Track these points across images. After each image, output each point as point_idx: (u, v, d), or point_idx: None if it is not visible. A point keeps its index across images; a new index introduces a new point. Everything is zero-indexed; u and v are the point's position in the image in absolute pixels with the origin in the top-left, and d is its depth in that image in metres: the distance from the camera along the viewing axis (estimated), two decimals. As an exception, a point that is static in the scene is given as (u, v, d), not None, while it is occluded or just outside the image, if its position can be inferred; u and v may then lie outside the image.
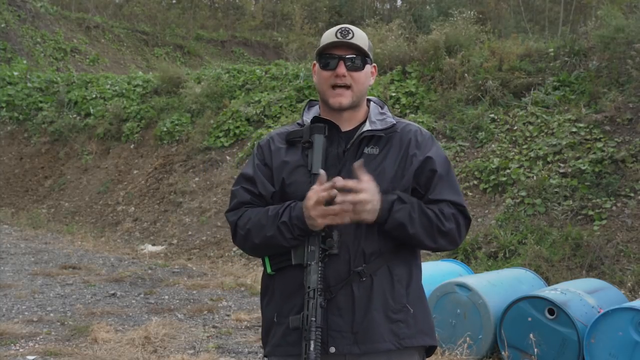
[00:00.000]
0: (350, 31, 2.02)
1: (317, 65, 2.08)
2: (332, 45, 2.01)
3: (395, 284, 2.00)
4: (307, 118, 2.12)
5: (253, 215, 2.01)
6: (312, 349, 1.82)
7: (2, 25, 20.31)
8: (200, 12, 31.99)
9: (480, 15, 18.23)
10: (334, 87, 2.02)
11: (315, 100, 2.21)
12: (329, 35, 2.04)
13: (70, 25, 24.09)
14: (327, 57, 2.02)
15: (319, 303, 1.87)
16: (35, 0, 22.84)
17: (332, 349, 1.93)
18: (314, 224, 1.88)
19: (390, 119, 2.11)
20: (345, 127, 2.07)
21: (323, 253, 1.92)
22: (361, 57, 2.03)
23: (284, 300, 2.00)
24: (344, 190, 1.86)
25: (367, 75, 2.07)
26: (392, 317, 1.98)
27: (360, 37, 2.03)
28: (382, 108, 2.15)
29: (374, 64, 2.11)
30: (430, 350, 2.10)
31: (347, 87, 2.02)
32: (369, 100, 2.15)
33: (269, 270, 2.03)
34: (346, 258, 1.95)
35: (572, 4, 25.68)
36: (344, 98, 2.02)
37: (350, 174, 1.96)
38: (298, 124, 2.15)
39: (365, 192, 1.86)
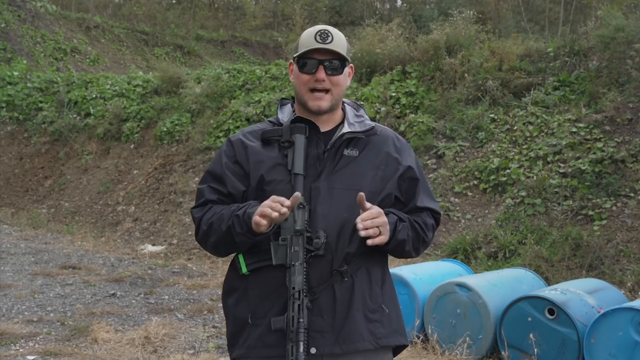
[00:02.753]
0: (329, 34, 2.01)
1: (294, 65, 2.07)
2: (313, 50, 2.01)
3: (373, 285, 2.03)
4: (283, 117, 2.12)
5: (218, 210, 2.00)
6: (301, 350, 1.81)
7: (2, 25, 20.31)
8: (200, 12, 31.99)
9: (480, 15, 18.24)
10: (313, 90, 2.02)
11: (286, 99, 2.22)
12: (308, 39, 2.02)
13: (70, 25, 24.09)
14: (306, 59, 2.02)
15: (305, 304, 1.87)
16: (35, 0, 22.84)
17: (313, 350, 1.92)
18: (253, 220, 1.86)
19: (369, 122, 2.13)
20: (324, 127, 2.08)
21: (308, 254, 1.91)
22: (340, 60, 2.03)
23: (260, 301, 1.98)
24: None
25: (346, 77, 2.08)
26: (370, 317, 2.00)
27: (339, 39, 2.03)
28: (357, 111, 2.17)
29: (350, 64, 2.12)
30: (398, 349, 2.13)
31: (326, 90, 2.02)
32: (342, 103, 2.16)
33: (244, 270, 2.00)
34: (329, 259, 1.95)
35: (572, 4, 25.68)
36: (323, 102, 2.03)
37: (329, 174, 2.00)
38: (271, 122, 2.15)
39: (382, 214, 1.91)
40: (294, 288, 1.88)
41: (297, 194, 1.87)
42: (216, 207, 2.02)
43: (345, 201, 1.96)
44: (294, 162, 1.99)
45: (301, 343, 1.82)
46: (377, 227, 1.89)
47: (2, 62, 18.36)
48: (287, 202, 1.84)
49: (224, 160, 2.08)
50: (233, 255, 2.09)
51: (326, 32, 2.01)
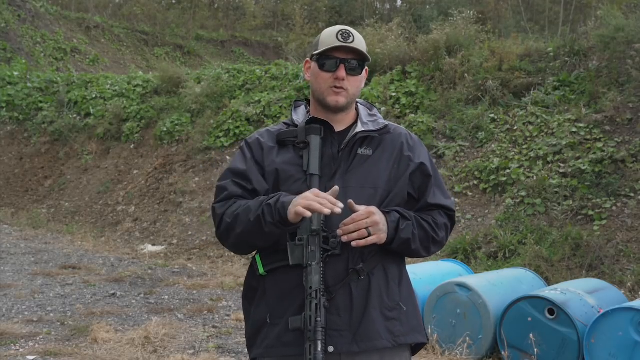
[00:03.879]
0: (351, 34, 2.04)
1: (313, 64, 2.08)
2: (334, 49, 2.02)
3: (390, 282, 2.03)
4: (297, 118, 2.14)
5: (243, 203, 1.99)
6: (319, 349, 1.81)
7: (2, 25, 20.31)
8: (200, 12, 32.00)
9: (480, 15, 18.24)
10: (332, 87, 2.04)
11: (300, 101, 2.23)
12: (330, 37, 2.04)
13: (70, 25, 24.10)
14: (327, 58, 2.04)
15: (322, 303, 1.87)
16: (35, 0, 22.84)
17: (331, 349, 1.92)
18: (296, 210, 1.84)
19: (382, 121, 2.15)
20: (338, 127, 2.10)
21: (325, 253, 1.92)
22: (360, 61, 2.05)
23: (278, 301, 1.99)
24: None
25: (363, 79, 2.11)
26: (387, 315, 2.00)
27: (359, 40, 2.06)
28: (370, 110, 2.19)
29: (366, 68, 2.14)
30: (417, 347, 2.13)
31: (345, 89, 2.04)
32: (356, 103, 2.18)
33: (261, 271, 2.01)
34: (345, 257, 1.96)
35: (572, 4, 25.69)
36: (341, 97, 2.04)
37: (344, 174, 2.02)
38: (285, 123, 2.16)
39: (376, 213, 1.91)
40: (311, 287, 1.88)
41: (336, 187, 1.88)
42: (241, 201, 2.01)
43: (360, 200, 1.97)
44: (310, 163, 2.00)
45: (319, 342, 1.82)
46: (364, 228, 1.88)
47: (2, 62, 18.37)
48: (337, 202, 1.85)
49: (247, 156, 2.08)
50: (251, 256, 2.10)
51: (348, 31, 2.04)
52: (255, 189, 2.03)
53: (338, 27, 2.07)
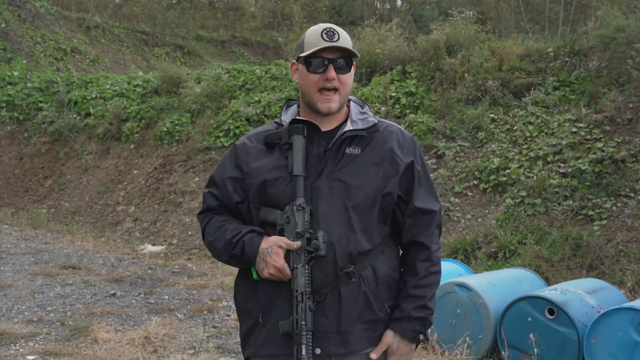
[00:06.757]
0: (335, 32, 1.99)
1: (300, 66, 2.04)
2: (321, 49, 1.98)
3: (380, 285, 2.01)
4: (286, 118, 2.11)
5: (212, 231, 2.07)
6: (304, 353, 1.82)
7: (2, 25, 20.31)
8: (200, 12, 31.99)
9: (480, 15, 18.22)
10: (322, 90, 2.00)
11: (293, 100, 2.20)
12: (315, 37, 1.99)
13: (70, 25, 24.09)
14: (315, 59, 1.99)
15: (308, 306, 1.87)
16: (35, 0, 22.84)
17: (318, 351, 1.93)
18: (263, 270, 1.95)
19: (372, 119, 2.10)
20: (326, 127, 2.06)
21: (309, 255, 1.91)
22: (348, 58, 2.01)
23: (269, 303, 2.00)
24: None
25: (352, 76, 2.07)
26: (374, 317, 2.00)
27: (345, 37, 2.01)
28: (362, 107, 2.14)
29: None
30: None
31: (335, 90, 2.01)
32: (348, 100, 2.14)
33: (254, 276, 2.02)
34: (332, 259, 1.94)
35: (572, 4, 25.69)
36: (333, 103, 2.01)
37: (330, 173, 1.99)
38: (276, 122, 2.14)
39: (401, 350, 2.03)
40: (297, 290, 1.89)
41: (298, 243, 1.93)
42: (215, 222, 2.09)
43: (346, 200, 1.95)
44: (294, 164, 1.98)
45: (303, 346, 1.83)
46: None
47: (2, 62, 18.36)
48: (287, 271, 1.93)
49: (227, 167, 2.12)
50: None
51: (332, 30, 1.99)
52: (225, 203, 2.10)
53: (322, 26, 2.01)
